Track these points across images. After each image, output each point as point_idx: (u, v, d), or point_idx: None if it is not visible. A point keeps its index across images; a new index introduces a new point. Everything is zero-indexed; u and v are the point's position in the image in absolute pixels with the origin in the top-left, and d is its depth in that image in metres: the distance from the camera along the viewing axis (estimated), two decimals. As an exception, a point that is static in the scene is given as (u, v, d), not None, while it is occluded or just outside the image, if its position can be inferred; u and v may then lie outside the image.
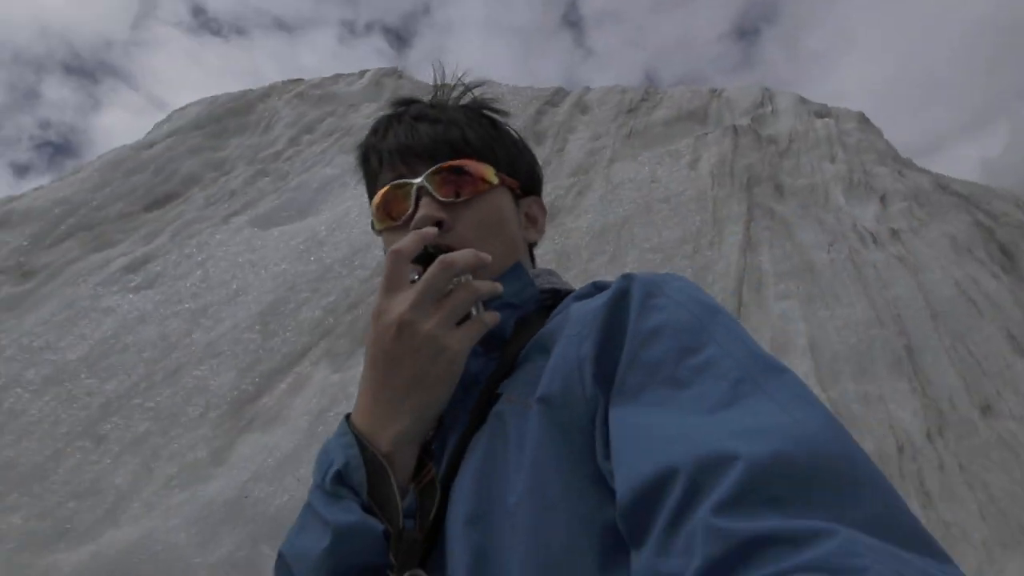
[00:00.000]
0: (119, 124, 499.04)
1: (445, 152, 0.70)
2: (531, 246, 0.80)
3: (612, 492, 0.47)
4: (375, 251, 5.21)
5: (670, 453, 0.42)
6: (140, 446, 3.62)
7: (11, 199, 6.65)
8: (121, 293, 4.97)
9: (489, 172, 0.71)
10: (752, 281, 4.47)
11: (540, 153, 7.24)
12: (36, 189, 6.91)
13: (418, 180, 0.68)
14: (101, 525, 3.22)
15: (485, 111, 0.77)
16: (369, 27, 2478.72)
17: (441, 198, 0.68)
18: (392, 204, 0.70)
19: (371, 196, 0.74)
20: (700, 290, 0.58)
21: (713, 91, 8.12)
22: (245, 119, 8.53)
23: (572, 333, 0.57)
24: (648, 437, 0.45)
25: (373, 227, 0.73)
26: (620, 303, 0.56)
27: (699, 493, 0.39)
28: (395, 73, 10.73)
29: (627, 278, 0.58)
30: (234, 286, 4.91)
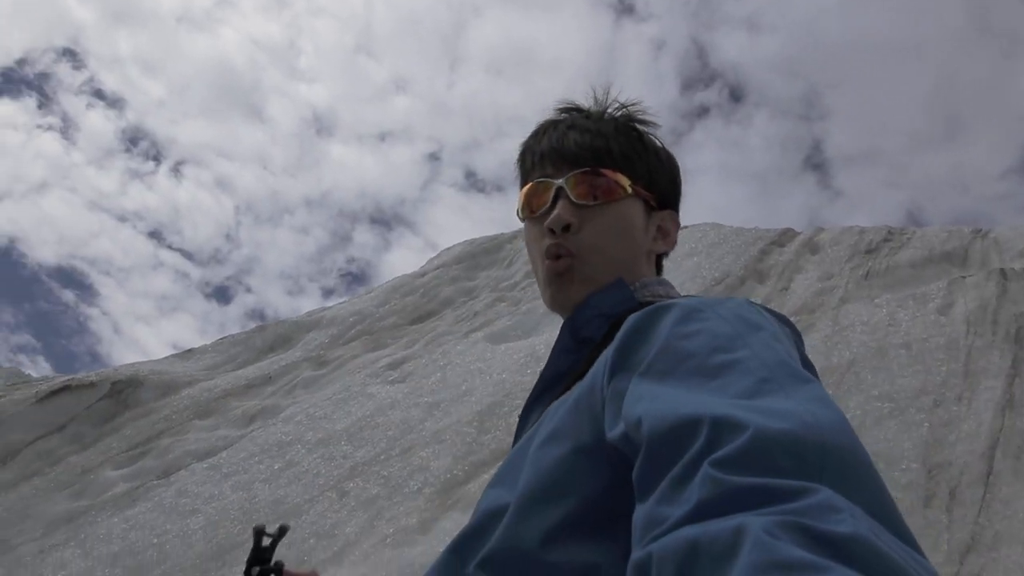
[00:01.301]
0: (400, 260, 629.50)
1: (588, 159, 0.77)
2: (660, 257, 0.84)
3: (611, 471, 0.52)
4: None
5: (691, 407, 0.44)
6: (370, 506, 4.31)
7: (323, 309, 8.71)
8: (382, 384, 6.10)
9: (624, 181, 0.77)
10: (1010, 447, 3.72)
11: (761, 292, 7.11)
12: (340, 303, 8.95)
13: (558, 181, 0.76)
14: (328, 563, 3.86)
15: (635, 124, 0.82)
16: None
17: (576, 200, 0.75)
18: (534, 198, 0.78)
19: (521, 189, 0.82)
20: (755, 311, 0.59)
21: (977, 231, 7.20)
22: (495, 256, 10.04)
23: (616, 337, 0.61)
24: (669, 400, 0.47)
25: (518, 214, 0.83)
26: (661, 312, 0.59)
27: (708, 450, 0.41)
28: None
29: (679, 300, 0.62)
30: (463, 387, 5.68)
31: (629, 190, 0.77)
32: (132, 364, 7.36)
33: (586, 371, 0.65)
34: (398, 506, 4.26)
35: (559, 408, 0.63)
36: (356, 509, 4.29)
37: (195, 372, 7.16)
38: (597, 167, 0.77)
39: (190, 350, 7.80)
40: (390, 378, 6.26)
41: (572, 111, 0.84)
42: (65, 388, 6.31)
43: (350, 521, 4.19)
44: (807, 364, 0.60)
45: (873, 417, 4.26)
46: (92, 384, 6.41)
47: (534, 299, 7.87)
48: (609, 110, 0.83)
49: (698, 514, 0.38)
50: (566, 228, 0.74)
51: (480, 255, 9.87)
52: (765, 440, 0.40)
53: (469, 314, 7.78)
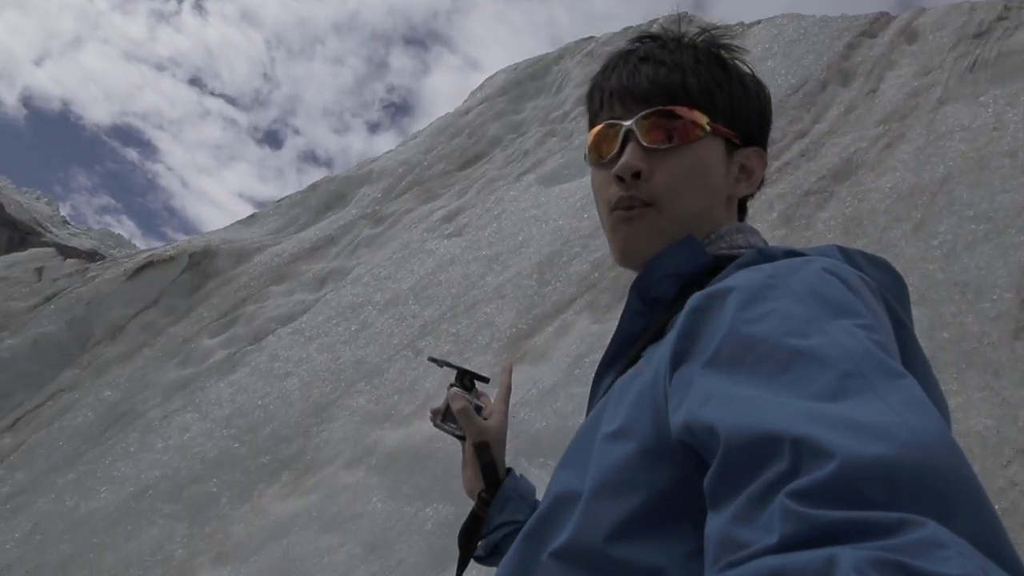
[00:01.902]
0: (442, 84, 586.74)
1: (660, 97, 0.69)
2: (744, 200, 0.77)
3: (677, 466, 0.50)
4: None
5: (771, 420, 0.40)
6: (443, 362, 4.57)
7: (371, 160, 8.57)
8: (439, 239, 6.14)
9: (701, 120, 0.69)
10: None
11: (845, 96, 6.36)
12: (387, 152, 8.76)
13: (627, 123, 0.69)
14: (413, 417, 4.23)
15: (719, 51, 0.74)
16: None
17: (647, 144, 0.68)
18: (603, 143, 0.72)
19: (590, 131, 0.76)
20: (839, 286, 0.51)
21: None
22: (541, 82, 9.32)
23: (679, 318, 0.56)
24: (743, 407, 0.43)
25: (585, 158, 0.77)
26: (724, 292, 0.53)
27: (789, 476, 0.37)
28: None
29: (748, 272, 0.56)
30: (520, 238, 5.64)
31: (707, 128, 0.70)
32: (202, 235, 7.68)
33: (660, 333, 0.63)
34: (469, 361, 4.49)
35: (625, 393, 0.59)
36: (430, 366, 4.56)
37: (262, 237, 7.42)
38: (670, 105, 0.69)
39: (252, 215, 8.01)
40: (446, 232, 6.28)
41: (647, 40, 0.75)
42: (148, 264, 6.72)
43: (427, 377, 4.49)
44: (902, 329, 0.53)
45: (964, 242, 3.96)
46: (171, 258, 6.79)
47: (586, 130, 7.42)
48: (688, 36, 0.74)
49: (782, 548, 0.35)
50: (636, 175, 0.69)
51: (526, 82, 9.19)
52: (854, 470, 0.35)
53: (519, 153, 7.47)
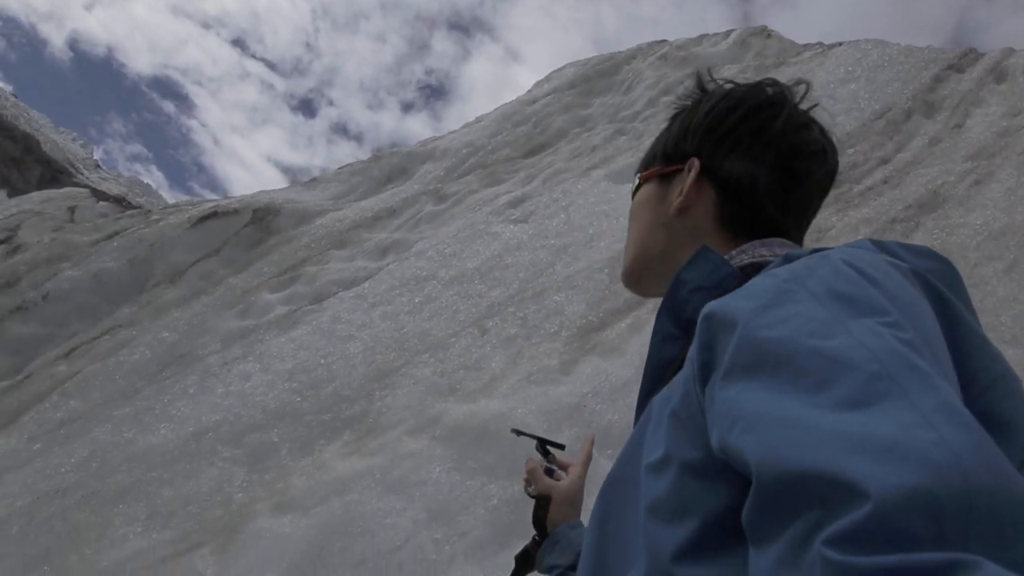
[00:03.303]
0: (481, 72, 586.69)
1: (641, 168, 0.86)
2: (733, 219, 0.75)
3: (721, 485, 0.47)
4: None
5: (800, 452, 0.38)
6: (510, 344, 4.57)
7: (436, 139, 8.59)
8: (505, 223, 6.14)
9: (635, 184, 0.85)
10: None
11: (930, 128, 6.28)
12: (452, 132, 8.77)
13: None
14: (479, 394, 4.23)
15: (701, 92, 0.81)
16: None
17: None
18: None
19: None
20: (861, 282, 0.48)
21: None
22: (611, 80, 9.28)
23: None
24: (768, 431, 0.41)
25: None
26: (740, 295, 0.51)
27: (825, 519, 0.35)
28: (763, 32, 10.23)
29: (764, 275, 0.54)
30: (590, 231, 5.63)
31: (636, 183, 0.83)
32: (266, 191, 7.74)
33: None
34: (537, 347, 4.49)
35: (661, 416, 0.56)
36: (498, 346, 4.57)
37: (322, 201, 7.47)
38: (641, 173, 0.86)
39: (314, 179, 8.06)
40: (512, 217, 6.28)
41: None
42: (213, 214, 6.79)
43: (494, 357, 4.50)
44: (948, 308, 0.49)
45: (1058, 289, 3.89)
46: (236, 211, 6.85)
47: (656, 131, 7.37)
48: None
49: None
50: None
51: (595, 79, 9.16)
52: (892, 507, 0.32)
53: (587, 148, 7.45)
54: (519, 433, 1.20)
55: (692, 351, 0.53)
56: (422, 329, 4.96)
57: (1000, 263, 4.20)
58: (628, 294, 4.83)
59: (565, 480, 1.06)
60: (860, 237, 4.07)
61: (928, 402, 0.37)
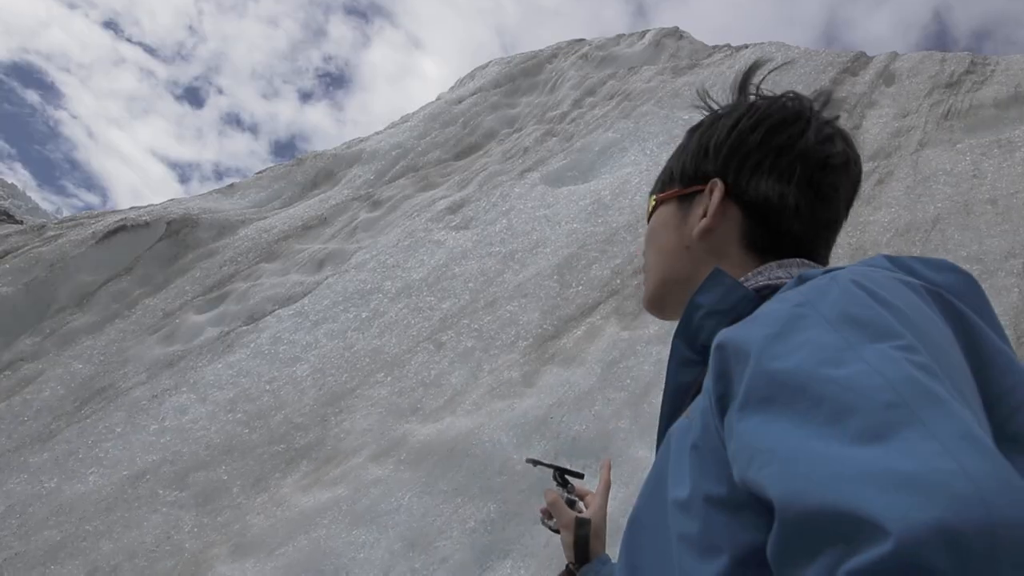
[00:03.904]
0: (383, 60, 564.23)
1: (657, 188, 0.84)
2: (759, 238, 0.73)
3: (746, 518, 0.47)
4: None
5: (819, 488, 0.38)
6: (468, 358, 4.53)
7: (361, 140, 8.29)
8: (446, 230, 6.06)
9: (651, 203, 0.82)
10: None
11: (831, 135, 6.80)
12: (377, 133, 8.50)
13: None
14: (442, 412, 4.17)
15: (709, 110, 0.80)
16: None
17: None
18: None
19: None
20: (872, 305, 0.47)
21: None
22: (535, 79, 9.34)
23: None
24: (787, 467, 0.41)
25: None
26: (750, 327, 0.51)
27: (846, 556, 0.35)
28: (676, 34, 10.66)
29: (775, 301, 0.54)
30: (534, 237, 5.67)
31: (652, 205, 0.80)
32: (178, 200, 7.16)
33: None
34: (495, 359, 4.49)
35: (681, 449, 0.57)
36: (455, 361, 4.52)
37: (244, 210, 7.03)
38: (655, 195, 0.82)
39: (231, 185, 7.55)
40: (452, 223, 6.20)
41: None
42: (121, 228, 6.21)
43: (452, 372, 4.44)
44: (969, 327, 0.49)
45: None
46: (147, 224, 6.30)
47: (586, 133, 7.52)
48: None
49: None
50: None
51: (519, 77, 9.18)
52: (913, 544, 0.33)
53: (518, 150, 7.47)
54: (536, 463, 1.16)
55: (707, 382, 0.53)
56: (373, 346, 4.81)
57: (910, 259, 4.64)
58: (580, 300, 4.93)
59: (589, 511, 1.03)
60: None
61: (946, 430, 0.37)
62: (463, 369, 4.44)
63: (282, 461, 4.12)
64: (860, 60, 8.13)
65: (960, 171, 5.59)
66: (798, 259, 0.70)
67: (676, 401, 0.66)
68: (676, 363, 0.66)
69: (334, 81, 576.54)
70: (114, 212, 6.94)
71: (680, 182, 0.76)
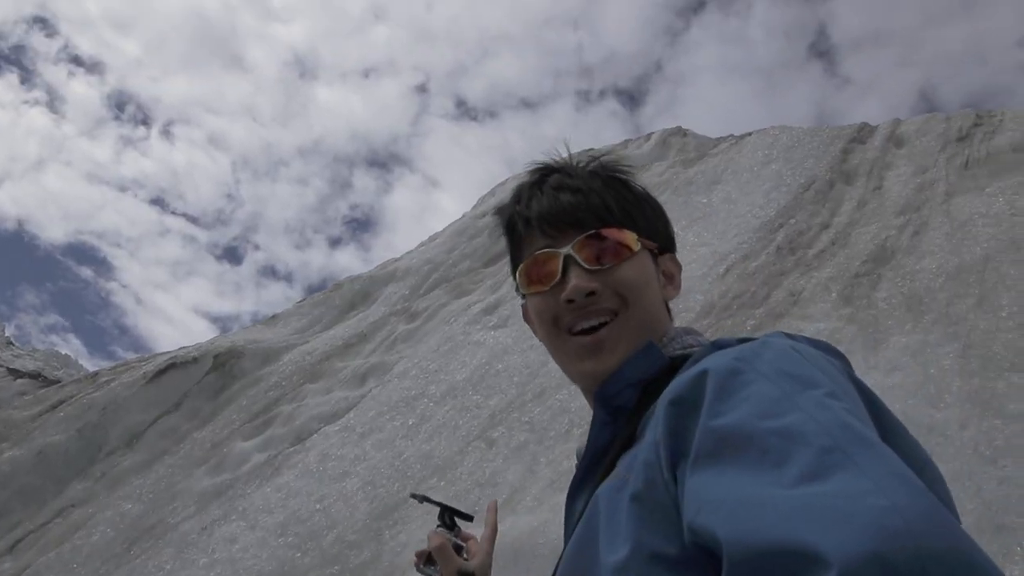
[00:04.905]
0: (404, 201, 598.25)
1: (589, 220, 0.72)
2: (667, 303, 0.78)
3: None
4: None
5: (764, 529, 0.40)
6: (522, 452, 4.34)
7: (394, 260, 8.61)
8: (484, 330, 6.07)
9: (631, 238, 0.73)
10: None
11: (853, 193, 6.86)
12: (408, 253, 8.84)
13: (564, 249, 0.71)
14: (503, 511, 3.93)
15: (619, 175, 0.78)
16: (603, 93, 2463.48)
17: (587, 266, 0.70)
18: (539, 271, 0.73)
19: (515, 261, 0.77)
20: (803, 362, 0.52)
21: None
22: (553, 188, 9.78)
23: (657, 414, 0.56)
24: (735, 508, 0.43)
25: (517, 290, 0.77)
26: (698, 383, 0.53)
27: None
28: (679, 132, 11.24)
29: (715, 357, 0.57)
30: (573, 326, 5.64)
31: (637, 246, 0.73)
32: (224, 335, 7.39)
33: (630, 440, 0.62)
34: (551, 450, 4.29)
35: (616, 510, 0.55)
36: (510, 457, 4.33)
37: (286, 337, 7.19)
38: (601, 228, 0.72)
39: (273, 316, 7.80)
40: (490, 323, 6.22)
41: (547, 170, 0.78)
42: (171, 366, 6.37)
43: (508, 469, 4.24)
44: (868, 397, 0.53)
45: (1028, 314, 4.14)
46: (195, 359, 6.46)
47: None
48: (582, 164, 0.78)
49: None
50: (591, 294, 0.70)
51: (537, 188, 9.62)
52: (853, 574, 0.35)
53: (547, 250, 7.65)
54: (421, 499, 1.07)
55: (658, 436, 0.53)
56: (423, 452, 4.65)
57: (970, 299, 4.46)
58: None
59: (475, 561, 0.92)
60: (831, 295, 4.21)
61: (878, 470, 0.40)
62: (518, 464, 4.23)
63: (337, 583, 3.85)
64: (865, 130, 8.38)
65: (996, 212, 5.52)
66: (688, 327, 0.75)
67: (592, 463, 0.66)
68: (597, 425, 0.67)
69: (360, 225, 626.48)
70: (163, 353, 7.17)
71: (653, 239, 0.77)
